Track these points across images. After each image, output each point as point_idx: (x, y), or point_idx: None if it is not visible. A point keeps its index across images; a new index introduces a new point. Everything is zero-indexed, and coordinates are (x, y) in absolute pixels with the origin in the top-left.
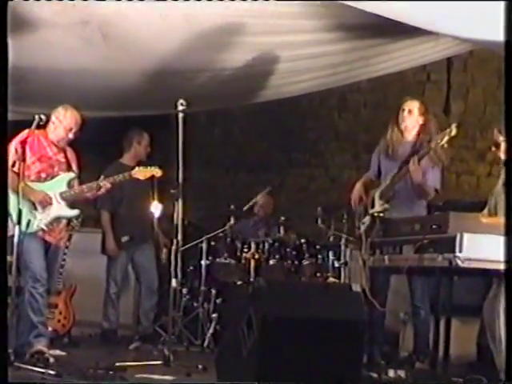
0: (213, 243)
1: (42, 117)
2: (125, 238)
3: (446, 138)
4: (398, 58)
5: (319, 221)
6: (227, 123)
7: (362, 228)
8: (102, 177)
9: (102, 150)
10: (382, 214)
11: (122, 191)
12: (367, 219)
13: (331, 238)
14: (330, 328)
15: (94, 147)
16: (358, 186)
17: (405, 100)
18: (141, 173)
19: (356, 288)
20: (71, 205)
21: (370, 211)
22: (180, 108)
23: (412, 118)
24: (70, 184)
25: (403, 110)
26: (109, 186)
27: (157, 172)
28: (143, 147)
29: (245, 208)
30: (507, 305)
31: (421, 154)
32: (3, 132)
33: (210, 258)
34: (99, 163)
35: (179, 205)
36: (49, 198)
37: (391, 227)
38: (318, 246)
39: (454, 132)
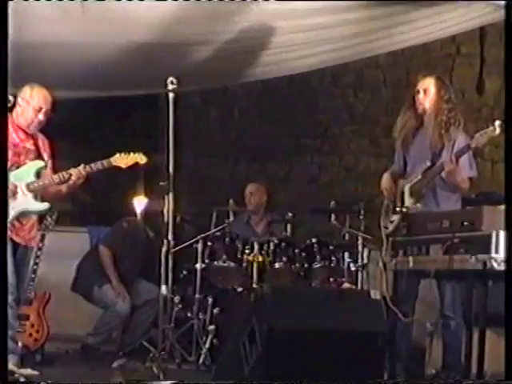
0: (209, 243)
1: (11, 98)
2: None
3: (485, 140)
4: (422, 27)
5: (332, 217)
6: (225, 104)
7: (390, 228)
8: (81, 165)
9: (83, 135)
10: (404, 210)
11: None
12: (396, 218)
13: (346, 237)
14: (345, 341)
15: (73, 132)
16: (387, 176)
17: (418, 79)
18: (122, 160)
19: (375, 295)
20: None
21: (398, 208)
22: (170, 87)
23: (429, 98)
24: (38, 174)
25: (418, 91)
26: (83, 174)
27: (141, 159)
28: None
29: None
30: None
31: (458, 152)
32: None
33: (206, 260)
34: (79, 150)
35: (169, 199)
36: (13, 187)
37: (416, 224)
38: (331, 247)
39: (497, 131)
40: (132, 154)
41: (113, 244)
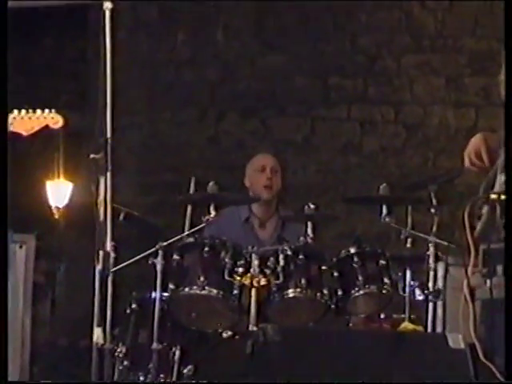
0: (175, 257)
1: None
2: None
3: None
4: None
5: (384, 210)
6: (202, 22)
7: (478, 227)
8: None
9: None
10: (503, 197)
11: None
12: (486, 209)
13: (408, 244)
14: None
15: None
16: (478, 136)
17: None
18: (22, 123)
19: (457, 342)
20: None
21: (494, 195)
22: None
23: None
24: None
25: None
26: None
27: (55, 120)
28: None
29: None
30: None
31: None
32: None
33: (170, 285)
34: None
35: (107, 183)
36: None
37: None
38: (382, 261)
39: None
40: (40, 111)
41: None
